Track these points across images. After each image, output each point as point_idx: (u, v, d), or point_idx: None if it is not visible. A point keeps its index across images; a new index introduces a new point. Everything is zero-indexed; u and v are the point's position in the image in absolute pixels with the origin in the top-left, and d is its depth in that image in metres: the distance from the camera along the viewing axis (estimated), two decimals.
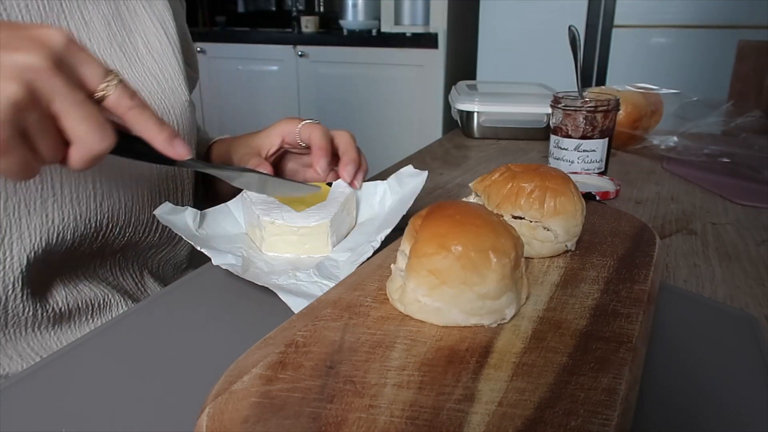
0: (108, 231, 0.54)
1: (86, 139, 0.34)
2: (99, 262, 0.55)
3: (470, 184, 0.48)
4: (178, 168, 0.60)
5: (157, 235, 0.60)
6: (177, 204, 0.53)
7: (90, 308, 0.55)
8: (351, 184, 0.58)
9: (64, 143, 0.35)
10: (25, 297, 0.49)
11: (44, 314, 0.51)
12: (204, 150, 0.71)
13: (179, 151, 0.40)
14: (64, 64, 0.33)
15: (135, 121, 0.37)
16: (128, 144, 0.38)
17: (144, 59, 0.57)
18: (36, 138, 0.33)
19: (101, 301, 0.56)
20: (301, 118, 0.60)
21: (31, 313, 0.50)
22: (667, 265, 0.54)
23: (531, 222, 0.42)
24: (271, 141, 0.61)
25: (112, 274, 0.57)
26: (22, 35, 0.32)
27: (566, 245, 0.42)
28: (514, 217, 0.43)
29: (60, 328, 0.53)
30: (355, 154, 0.58)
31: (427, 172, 0.58)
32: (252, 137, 0.63)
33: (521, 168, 0.45)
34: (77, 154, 0.35)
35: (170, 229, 0.55)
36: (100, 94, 0.35)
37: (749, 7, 1.91)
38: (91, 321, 0.55)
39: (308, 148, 0.59)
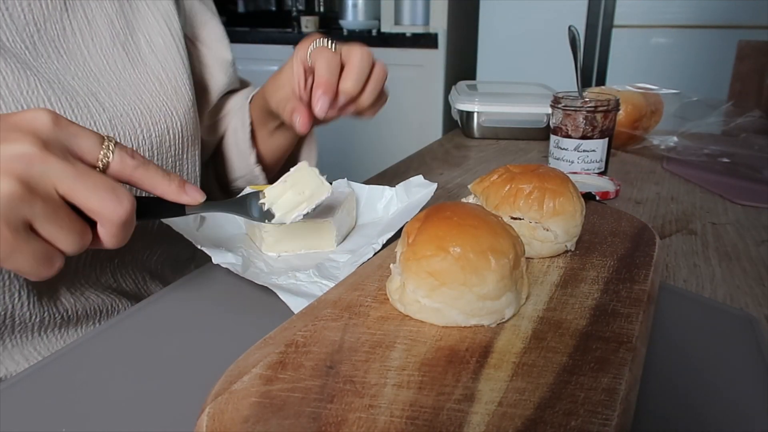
0: None
1: (104, 208, 0.32)
2: (99, 268, 0.55)
3: (469, 186, 0.48)
4: (186, 164, 0.60)
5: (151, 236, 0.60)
6: None
7: (97, 313, 0.55)
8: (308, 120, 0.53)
9: (89, 225, 0.34)
10: (31, 305, 0.49)
11: (51, 320, 0.51)
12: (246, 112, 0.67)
13: (193, 195, 0.39)
14: (56, 142, 0.31)
15: (142, 179, 0.36)
16: (142, 207, 0.37)
17: (147, 59, 0.56)
18: (48, 226, 0.31)
19: (108, 307, 0.56)
20: (322, 35, 0.54)
21: (38, 319, 0.50)
22: (667, 265, 0.54)
23: (530, 222, 0.42)
24: (296, 73, 0.54)
25: (114, 279, 0.57)
26: (6, 125, 0.31)
27: (566, 245, 0.42)
28: (513, 218, 0.43)
29: (67, 332, 0.53)
30: (332, 79, 0.51)
31: (435, 184, 0.58)
32: (280, 75, 0.58)
33: (520, 169, 0.45)
34: (104, 231, 0.34)
35: (166, 230, 0.55)
36: (101, 163, 0.34)
37: (749, 7, 1.91)
38: (98, 325, 0.55)
39: None
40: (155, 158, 0.55)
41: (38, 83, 0.46)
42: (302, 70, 0.53)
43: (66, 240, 0.32)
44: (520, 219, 0.43)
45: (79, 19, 0.52)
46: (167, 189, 0.37)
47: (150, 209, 0.40)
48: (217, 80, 0.68)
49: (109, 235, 0.34)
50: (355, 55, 0.51)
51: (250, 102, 0.66)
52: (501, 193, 0.43)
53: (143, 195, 0.39)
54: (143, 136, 0.53)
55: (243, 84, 0.74)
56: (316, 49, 0.52)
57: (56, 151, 0.31)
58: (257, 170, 0.67)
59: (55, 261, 0.33)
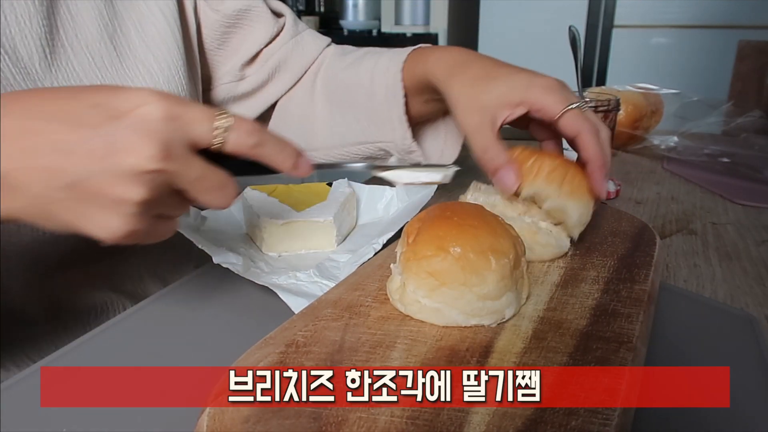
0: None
1: (211, 203, 0.35)
2: (93, 264, 0.55)
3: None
4: None
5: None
6: None
7: (89, 313, 0.55)
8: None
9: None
10: (18, 300, 0.48)
11: (42, 319, 0.50)
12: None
13: (304, 169, 0.38)
14: (172, 142, 0.32)
15: (258, 156, 0.36)
16: (248, 169, 0.38)
17: (137, 51, 0.53)
18: (170, 213, 0.35)
19: (100, 306, 0.55)
20: (562, 86, 0.45)
21: (26, 324, 0.49)
22: (667, 265, 0.54)
23: (529, 221, 0.42)
24: (509, 110, 0.45)
25: (110, 278, 0.57)
26: (119, 125, 0.31)
27: (569, 242, 0.42)
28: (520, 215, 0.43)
29: (56, 334, 0.52)
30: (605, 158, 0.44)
31: (436, 185, 0.58)
32: (479, 86, 0.47)
33: (545, 154, 0.44)
34: (205, 206, 0.36)
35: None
36: (216, 146, 0.34)
37: (749, 7, 1.91)
38: (88, 326, 0.55)
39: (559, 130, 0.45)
40: None
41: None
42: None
43: (180, 213, 0.36)
44: (532, 205, 0.42)
45: (62, 15, 0.49)
46: (282, 165, 0.37)
47: (259, 168, 0.39)
48: (248, 36, 0.63)
49: (210, 207, 0.37)
50: (606, 146, 0.45)
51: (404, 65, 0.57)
52: (524, 166, 0.42)
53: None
54: None
55: (277, 14, 0.67)
56: (584, 119, 0.44)
57: (174, 156, 0.31)
58: (414, 146, 0.58)
59: (174, 228, 0.36)
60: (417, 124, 0.61)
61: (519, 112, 0.45)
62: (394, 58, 0.58)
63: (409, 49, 0.57)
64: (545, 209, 0.42)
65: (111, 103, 0.31)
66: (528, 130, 0.50)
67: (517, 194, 0.43)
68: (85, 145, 0.30)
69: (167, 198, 0.33)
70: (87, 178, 0.30)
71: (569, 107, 0.44)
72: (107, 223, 0.31)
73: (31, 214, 0.31)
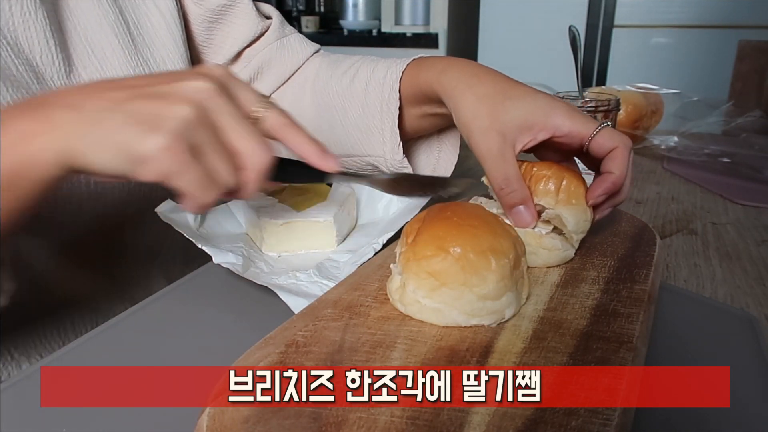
0: (108, 226, 0.53)
1: (252, 151, 0.36)
2: (96, 265, 0.55)
3: (482, 179, 0.46)
4: None
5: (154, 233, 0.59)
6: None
7: (90, 313, 0.55)
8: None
9: (235, 169, 0.36)
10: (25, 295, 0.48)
11: (45, 321, 0.51)
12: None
13: (330, 164, 0.40)
14: (227, 87, 0.36)
15: (289, 137, 0.38)
16: (282, 169, 0.39)
17: (136, 41, 0.54)
18: (210, 154, 0.35)
19: (101, 306, 0.55)
20: (576, 109, 0.43)
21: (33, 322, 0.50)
22: (667, 265, 0.54)
23: (537, 230, 0.42)
24: (530, 135, 0.43)
25: (111, 278, 0.57)
26: (192, 71, 0.36)
27: (573, 245, 0.42)
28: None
29: (59, 338, 0.52)
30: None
31: None
32: (495, 105, 0.44)
33: (539, 163, 0.44)
34: (248, 176, 0.36)
35: (167, 228, 0.55)
36: (255, 115, 0.38)
37: (749, 7, 1.91)
38: (89, 326, 0.55)
39: (587, 151, 0.43)
40: None
41: (9, 90, 0.43)
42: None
43: (221, 170, 0.35)
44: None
45: (65, 12, 0.49)
46: (310, 150, 0.39)
47: (289, 172, 0.41)
48: (231, 32, 0.63)
49: (251, 182, 0.37)
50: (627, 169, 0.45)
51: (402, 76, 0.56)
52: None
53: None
54: None
55: (266, 16, 0.66)
56: (619, 134, 0.43)
57: (227, 94, 0.36)
58: (404, 161, 0.57)
59: (212, 190, 0.36)
60: (409, 139, 0.60)
61: (541, 137, 0.43)
62: (392, 67, 0.57)
63: (408, 59, 0.56)
64: (543, 218, 0.42)
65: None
66: (532, 152, 0.47)
67: None
68: (155, 78, 0.35)
69: (210, 134, 0.34)
70: (147, 88, 0.34)
71: (603, 126, 0.42)
72: (156, 133, 0.32)
73: (83, 133, 0.32)
